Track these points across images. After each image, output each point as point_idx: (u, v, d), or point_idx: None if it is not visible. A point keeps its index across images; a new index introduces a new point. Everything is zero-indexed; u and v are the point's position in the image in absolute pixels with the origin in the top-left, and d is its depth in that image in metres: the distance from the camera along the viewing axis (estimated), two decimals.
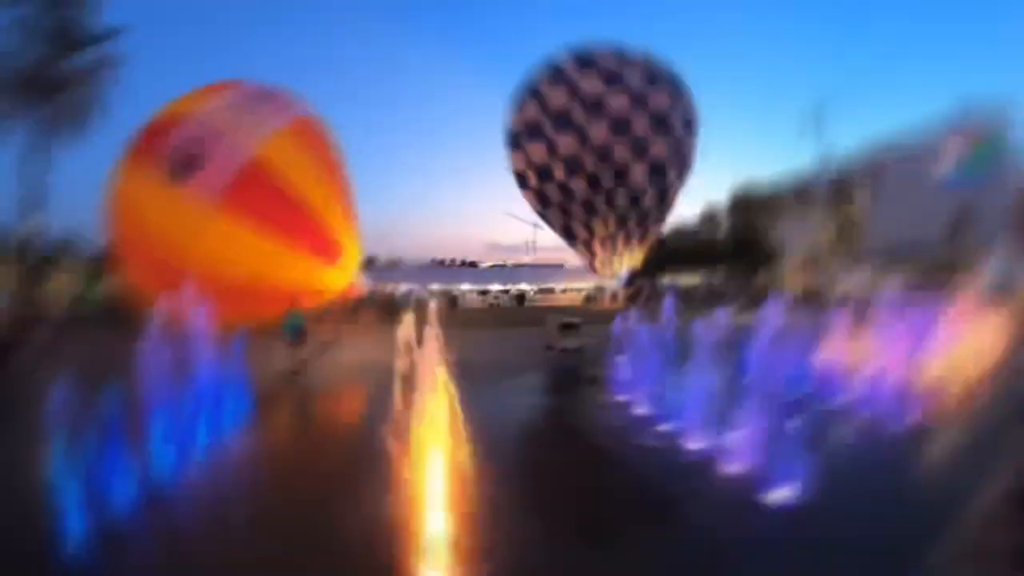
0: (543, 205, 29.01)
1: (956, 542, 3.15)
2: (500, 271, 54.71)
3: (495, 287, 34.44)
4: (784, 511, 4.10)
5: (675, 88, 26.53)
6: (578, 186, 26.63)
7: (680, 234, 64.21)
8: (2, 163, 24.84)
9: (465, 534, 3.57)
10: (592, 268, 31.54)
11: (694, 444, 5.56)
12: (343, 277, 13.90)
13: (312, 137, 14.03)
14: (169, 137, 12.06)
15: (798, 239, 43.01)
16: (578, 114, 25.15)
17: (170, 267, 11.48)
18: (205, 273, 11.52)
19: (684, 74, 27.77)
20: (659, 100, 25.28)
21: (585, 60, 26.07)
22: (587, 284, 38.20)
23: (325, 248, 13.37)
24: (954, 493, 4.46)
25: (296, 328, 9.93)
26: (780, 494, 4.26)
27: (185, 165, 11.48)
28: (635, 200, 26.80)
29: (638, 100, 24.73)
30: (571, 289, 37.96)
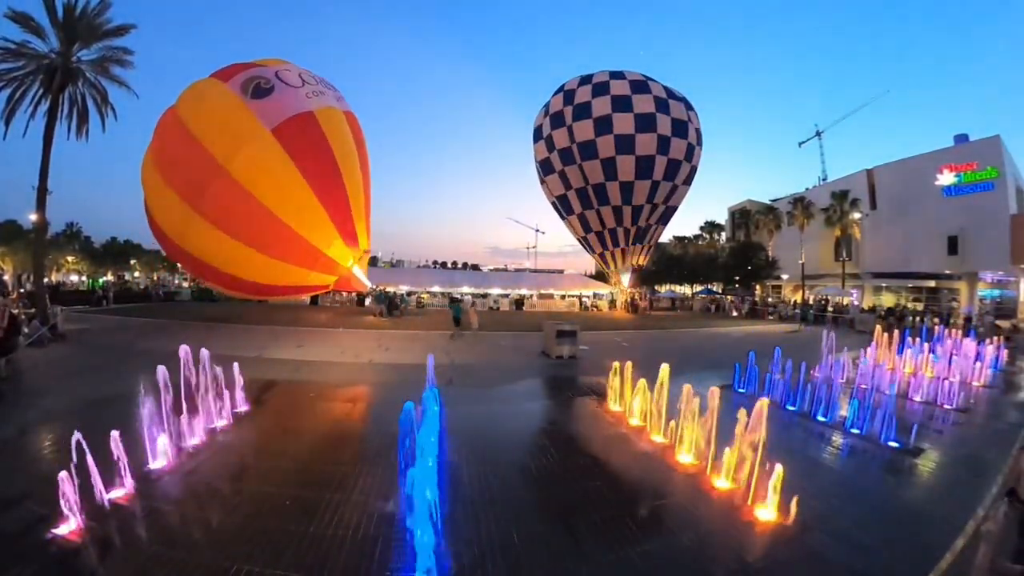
0: (564, 190, 29.64)
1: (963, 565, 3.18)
2: (501, 275, 54.79)
3: (495, 291, 34.56)
4: (773, 527, 4.17)
5: (688, 104, 28.98)
6: (594, 172, 27.42)
7: (680, 244, 64.43)
8: (13, 152, 25.14)
9: (455, 538, 3.61)
10: (603, 262, 31.85)
11: (687, 457, 5.63)
12: (346, 256, 14.29)
13: (355, 130, 15.12)
14: (249, 69, 13.62)
15: (796, 253, 43.10)
16: (602, 106, 26.87)
17: (212, 168, 12.19)
18: (238, 182, 12.27)
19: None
20: (678, 108, 27.90)
21: (614, 73, 28.73)
22: (585, 290, 38.28)
23: (341, 217, 13.96)
24: (947, 514, 4.53)
25: (457, 313, 18.46)
26: (770, 509, 4.32)
27: (258, 89, 13.00)
28: (652, 193, 27.77)
29: (661, 105, 27.23)
30: (570, 295, 38.06)
